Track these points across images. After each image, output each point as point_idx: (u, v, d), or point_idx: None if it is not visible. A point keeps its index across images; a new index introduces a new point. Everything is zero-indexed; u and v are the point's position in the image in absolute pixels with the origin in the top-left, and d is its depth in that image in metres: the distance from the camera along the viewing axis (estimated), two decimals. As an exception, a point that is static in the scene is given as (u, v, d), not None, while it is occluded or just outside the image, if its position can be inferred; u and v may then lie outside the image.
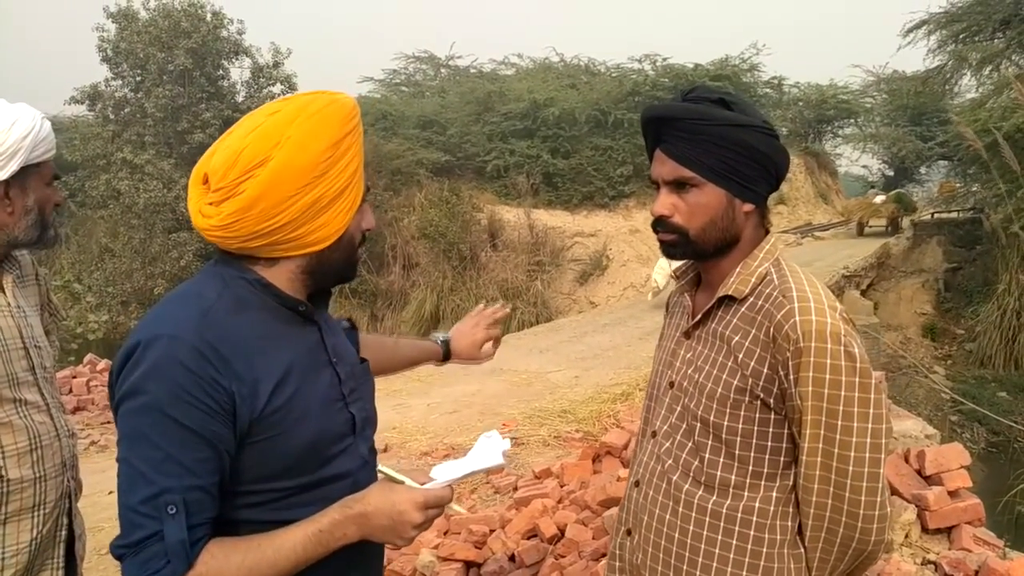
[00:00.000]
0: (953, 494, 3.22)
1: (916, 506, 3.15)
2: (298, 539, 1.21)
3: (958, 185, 18.50)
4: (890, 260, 16.25)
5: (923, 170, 30.61)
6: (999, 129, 12.11)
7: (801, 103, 26.86)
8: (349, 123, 1.30)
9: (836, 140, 29.56)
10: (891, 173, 31.20)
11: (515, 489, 4.23)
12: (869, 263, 15.74)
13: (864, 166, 34.02)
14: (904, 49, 24.38)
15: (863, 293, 14.90)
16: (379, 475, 1.29)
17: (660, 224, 1.51)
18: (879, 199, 21.68)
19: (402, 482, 1.27)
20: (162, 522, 1.13)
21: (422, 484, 1.27)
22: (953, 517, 3.15)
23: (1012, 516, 7.08)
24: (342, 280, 1.41)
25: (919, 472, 3.33)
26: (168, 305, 1.26)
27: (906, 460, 3.38)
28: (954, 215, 17.37)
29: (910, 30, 18.06)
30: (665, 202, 1.49)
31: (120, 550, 1.16)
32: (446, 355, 2.03)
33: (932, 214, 18.25)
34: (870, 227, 20.97)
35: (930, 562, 2.96)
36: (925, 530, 3.14)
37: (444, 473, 1.30)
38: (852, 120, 28.80)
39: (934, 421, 9.23)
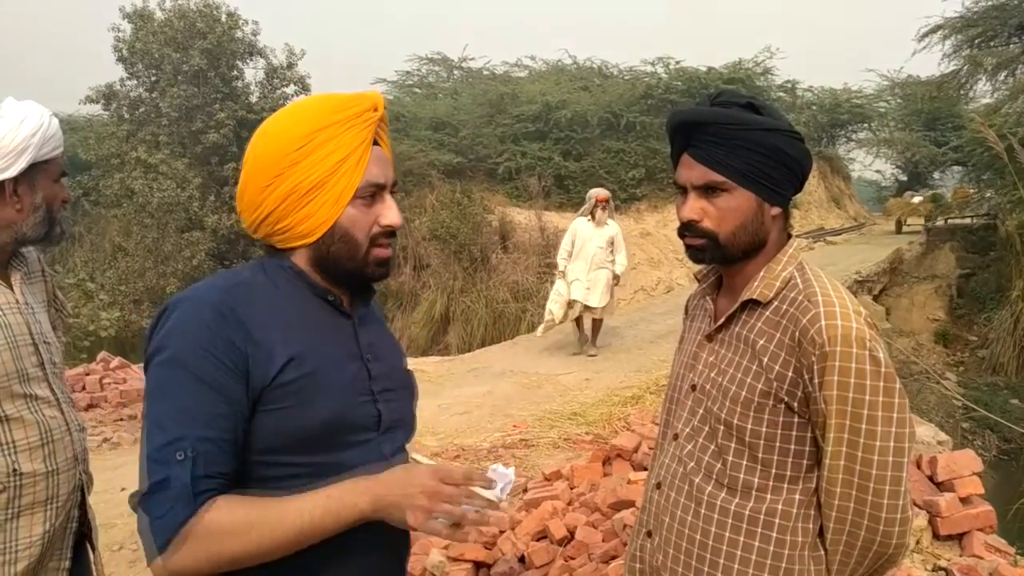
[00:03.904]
0: (965, 501, 3.20)
1: (927, 512, 3.14)
2: (306, 504, 1.19)
3: (972, 191, 18.41)
4: (903, 265, 16.18)
5: (937, 175, 30.39)
6: (1014, 135, 12.04)
7: (814, 107, 26.64)
8: (335, 114, 1.30)
9: (849, 144, 29.38)
10: (904, 178, 31.04)
11: (525, 491, 4.23)
12: (882, 268, 15.67)
13: (877, 171, 33.81)
14: (919, 54, 24.31)
15: (875, 298, 14.85)
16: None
17: (688, 229, 1.50)
18: (916, 199, 22.54)
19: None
20: (170, 468, 1.15)
21: None
22: (964, 524, 3.13)
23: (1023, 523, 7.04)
24: (359, 276, 1.38)
25: (931, 478, 3.31)
26: (205, 281, 1.33)
27: (918, 466, 3.37)
28: (968, 221, 17.29)
29: (925, 35, 18.04)
30: (694, 207, 1.48)
31: (135, 499, 1.18)
32: None
33: (946, 220, 18.18)
34: (908, 226, 21.64)
35: (941, 568, 2.95)
36: (936, 536, 3.13)
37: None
38: (866, 125, 28.60)
39: (946, 428, 9.15)
